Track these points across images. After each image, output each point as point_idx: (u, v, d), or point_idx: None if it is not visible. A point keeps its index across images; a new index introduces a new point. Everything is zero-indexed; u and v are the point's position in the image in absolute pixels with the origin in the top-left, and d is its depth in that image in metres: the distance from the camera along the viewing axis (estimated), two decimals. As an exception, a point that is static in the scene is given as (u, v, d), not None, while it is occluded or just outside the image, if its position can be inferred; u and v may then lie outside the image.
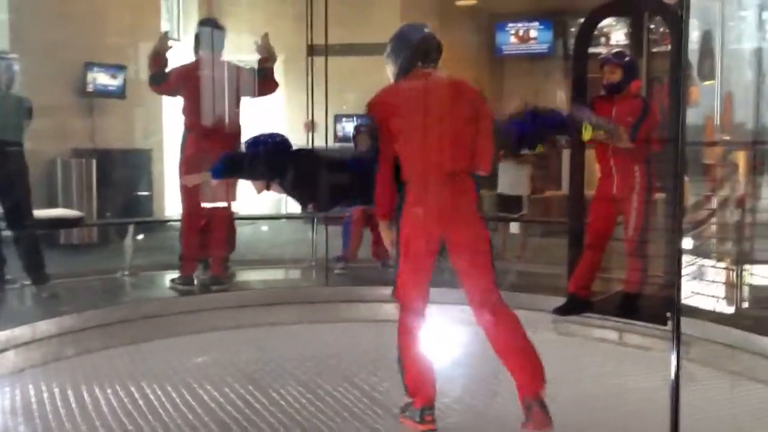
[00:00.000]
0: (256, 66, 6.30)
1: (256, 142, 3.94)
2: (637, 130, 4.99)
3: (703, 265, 5.78)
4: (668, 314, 4.87)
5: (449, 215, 3.47)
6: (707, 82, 7.55)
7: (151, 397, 4.07)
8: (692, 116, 7.18)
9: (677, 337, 2.11)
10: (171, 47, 6.14)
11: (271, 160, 3.80)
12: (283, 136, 3.99)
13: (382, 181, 3.48)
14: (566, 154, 9.72)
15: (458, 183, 3.48)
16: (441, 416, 3.81)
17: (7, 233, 5.73)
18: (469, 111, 3.51)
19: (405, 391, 3.59)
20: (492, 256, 3.58)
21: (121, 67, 8.82)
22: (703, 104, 7.35)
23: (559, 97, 10.09)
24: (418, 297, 3.56)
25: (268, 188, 3.93)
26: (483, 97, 3.63)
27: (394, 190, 3.49)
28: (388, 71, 3.63)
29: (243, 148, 4.09)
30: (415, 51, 3.50)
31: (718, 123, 7.22)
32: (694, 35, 7.55)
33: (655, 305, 5.13)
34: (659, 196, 5.30)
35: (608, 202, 5.20)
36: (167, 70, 6.05)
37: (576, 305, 5.31)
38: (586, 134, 3.88)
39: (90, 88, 8.71)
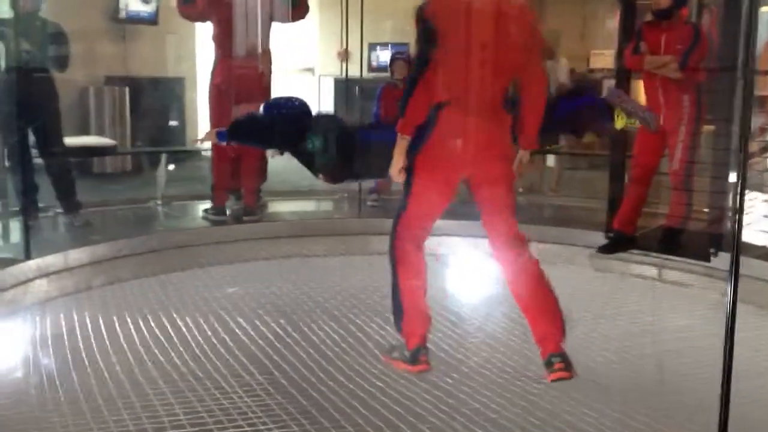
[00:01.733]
0: None
1: (273, 107, 3.79)
2: (687, 58, 4.75)
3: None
4: (712, 250, 4.77)
5: (483, 148, 3.17)
6: (764, 8, 7.17)
7: (182, 327, 4.04)
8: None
9: (735, 273, 1.96)
10: None
11: (282, 130, 3.66)
12: (301, 101, 3.83)
13: (417, 87, 3.08)
14: (607, 85, 9.48)
15: (497, 113, 3.18)
16: (471, 352, 3.75)
17: (39, 161, 5.69)
18: (522, 36, 3.13)
19: (397, 330, 3.34)
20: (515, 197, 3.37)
21: (153, -8, 8.66)
22: (759, 31, 7.00)
23: (607, 26, 9.74)
24: (424, 231, 3.31)
25: (281, 153, 3.80)
26: (537, 23, 3.27)
27: (426, 103, 3.10)
28: None
29: (261, 110, 3.93)
30: None
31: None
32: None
33: (698, 241, 4.99)
34: (707, 128, 5.10)
35: (655, 134, 5.00)
36: None
37: (621, 242, 5.16)
38: (619, 122, 3.58)
39: (122, 14, 8.57)
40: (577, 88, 3.60)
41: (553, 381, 3.17)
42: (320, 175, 3.81)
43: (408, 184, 3.23)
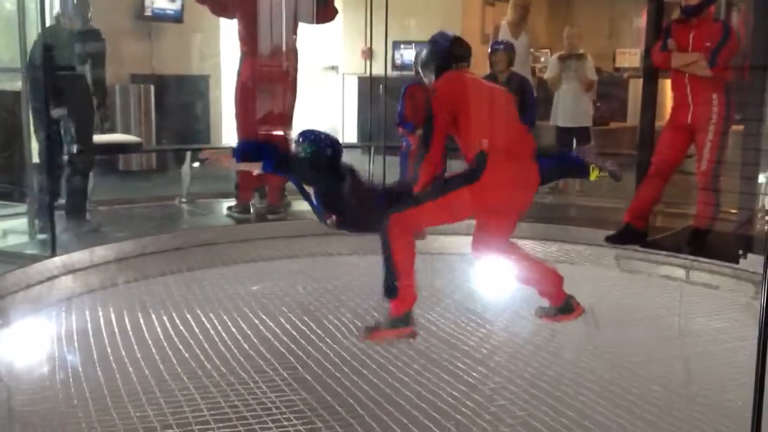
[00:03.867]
0: None
1: (312, 139, 3.94)
2: (716, 56, 4.69)
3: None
4: (740, 252, 4.70)
5: (521, 199, 3.78)
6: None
7: (207, 324, 4.04)
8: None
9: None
10: None
11: (313, 165, 3.87)
12: (335, 141, 4.07)
13: (432, 161, 3.67)
14: (633, 84, 9.40)
15: (534, 167, 3.70)
16: (497, 348, 3.73)
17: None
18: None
19: (391, 297, 3.65)
20: None
21: (178, -9, 8.68)
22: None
23: (634, 25, 9.66)
24: (420, 229, 3.90)
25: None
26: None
27: (438, 169, 3.72)
28: (424, 78, 3.91)
29: (295, 139, 4.03)
30: (448, 52, 3.77)
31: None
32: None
33: (726, 242, 4.92)
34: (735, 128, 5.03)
35: (681, 131, 4.94)
36: None
37: (630, 235, 5.10)
38: (593, 175, 4.13)
39: (148, 12, 8.60)
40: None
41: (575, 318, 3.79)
42: (329, 221, 4.03)
43: (438, 192, 3.60)
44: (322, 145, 3.95)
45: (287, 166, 3.95)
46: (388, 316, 3.66)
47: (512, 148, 3.67)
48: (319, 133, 4.03)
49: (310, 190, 4.03)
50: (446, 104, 3.64)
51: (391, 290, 3.68)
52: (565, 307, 3.80)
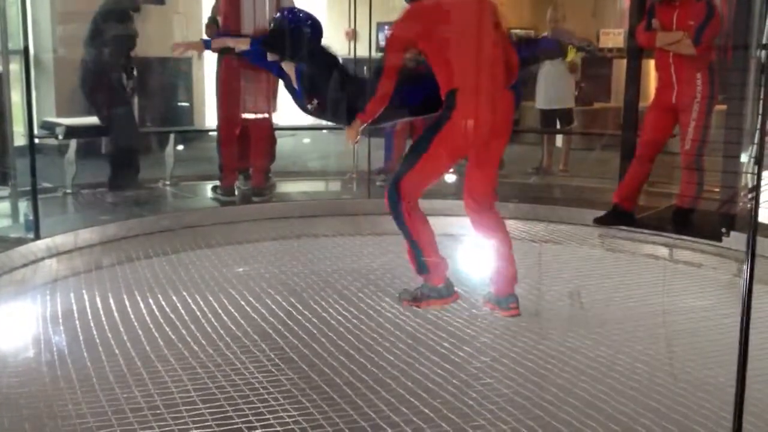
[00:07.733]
0: None
1: (292, 16, 4.03)
2: (700, 35, 4.70)
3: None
4: (723, 230, 4.74)
5: (496, 127, 3.74)
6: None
7: (193, 306, 4.03)
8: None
9: (752, 251, 1.93)
10: None
11: (290, 38, 3.92)
12: (316, 21, 4.10)
13: (385, 91, 3.75)
14: (617, 64, 9.42)
15: (507, 95, 3.75)
16: (482, 329, 3.74)
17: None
18: (497, 25, 3.74)
19: (424, 273, 3.92)
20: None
21: (160, -27, 8.58)
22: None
23: (618, 6, 9.65)
24: (420, 192, 3.88)
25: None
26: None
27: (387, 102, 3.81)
28: None
29: (274, 16, 4.16)
30: None
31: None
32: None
33: (709, 221, 4.97)
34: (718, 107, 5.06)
35: (666, 112, 4.96)
36: None
37: (618, 217, 5.14)
38: (570, 54, 4.46)
39: (130, -6, 8.48)
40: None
41: (507, 317, 3.85)
42: (310, 105, 4.11)
43: (424, 145, 3.74)
44: (301, 23, 3.99)
45: (268, 43, 3.97)
46: (430, 286, 3.93)
47: (484, 77, 3.66)
48: (299, 10, 4.06)
49: (291, 75, 4.07)
50: (407, 31, 3.70)
51: (421, 267, 3.91)
52: (504, 302, 3.89)
